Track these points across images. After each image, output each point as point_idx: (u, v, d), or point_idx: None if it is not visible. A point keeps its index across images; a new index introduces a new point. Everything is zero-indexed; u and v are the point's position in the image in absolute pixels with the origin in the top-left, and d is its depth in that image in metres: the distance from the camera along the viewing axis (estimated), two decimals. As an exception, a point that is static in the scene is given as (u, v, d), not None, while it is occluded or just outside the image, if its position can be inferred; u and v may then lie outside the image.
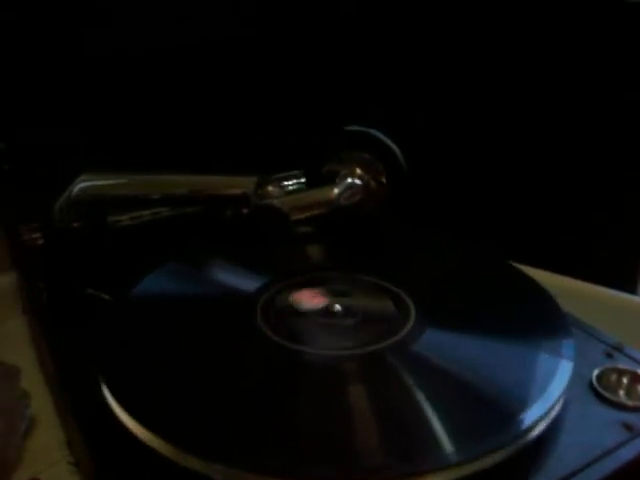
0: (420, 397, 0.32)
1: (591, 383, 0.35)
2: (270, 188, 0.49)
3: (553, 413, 0.31)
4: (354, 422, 0.31)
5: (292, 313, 0.38)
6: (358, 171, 0.49)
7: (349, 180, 0.49)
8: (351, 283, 0.41)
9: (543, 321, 0.38)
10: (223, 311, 0.39)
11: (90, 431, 0.32)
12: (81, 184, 0.45)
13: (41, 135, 0.49)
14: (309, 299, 0.39)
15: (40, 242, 0.47)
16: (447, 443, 0.29)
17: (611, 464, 0.30)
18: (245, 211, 0.51)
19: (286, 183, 0.53)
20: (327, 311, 0.38)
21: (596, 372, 0.35)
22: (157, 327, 0.38)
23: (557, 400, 0.32)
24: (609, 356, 0.37)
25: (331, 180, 0.49)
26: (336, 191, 0.47)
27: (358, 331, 0.37)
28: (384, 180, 0.50)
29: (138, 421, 0.30)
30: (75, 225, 0.46)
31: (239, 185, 0.48)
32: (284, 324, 0.37)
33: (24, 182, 0.49)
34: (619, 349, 0.37)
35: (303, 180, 0.53)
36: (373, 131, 0.50)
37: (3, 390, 0.37)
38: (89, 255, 0.46)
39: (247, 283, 0.41)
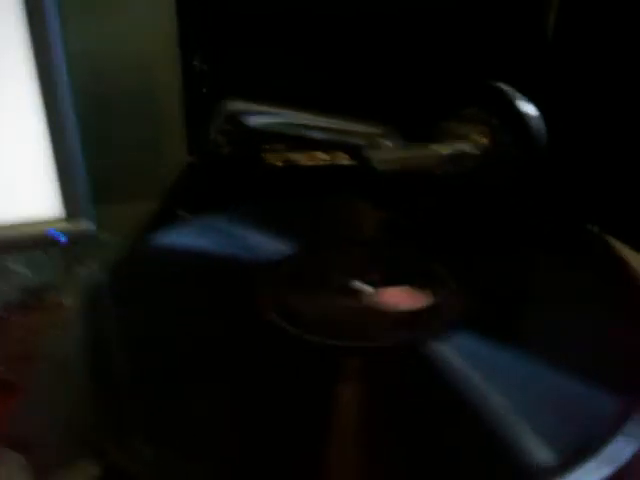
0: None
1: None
2: (386, 142, 0.43)
3: None
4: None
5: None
6: (478, 136, 0.41)
7: (462, 144, 0.40)
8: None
9: None
10: (222, 282, 0.33)
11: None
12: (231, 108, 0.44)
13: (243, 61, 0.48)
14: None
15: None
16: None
17: None
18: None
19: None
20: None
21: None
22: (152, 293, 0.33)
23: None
24: None
25: (444, 139, 0.41)
26: (443, 153, 0.40)
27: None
28: (513, 153, 0.41)
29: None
30: (226, 150, 0.45)
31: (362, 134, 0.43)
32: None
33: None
34: None
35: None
36: (511, 91, 0.40)
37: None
38: (226, 183, 0.44)
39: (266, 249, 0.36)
